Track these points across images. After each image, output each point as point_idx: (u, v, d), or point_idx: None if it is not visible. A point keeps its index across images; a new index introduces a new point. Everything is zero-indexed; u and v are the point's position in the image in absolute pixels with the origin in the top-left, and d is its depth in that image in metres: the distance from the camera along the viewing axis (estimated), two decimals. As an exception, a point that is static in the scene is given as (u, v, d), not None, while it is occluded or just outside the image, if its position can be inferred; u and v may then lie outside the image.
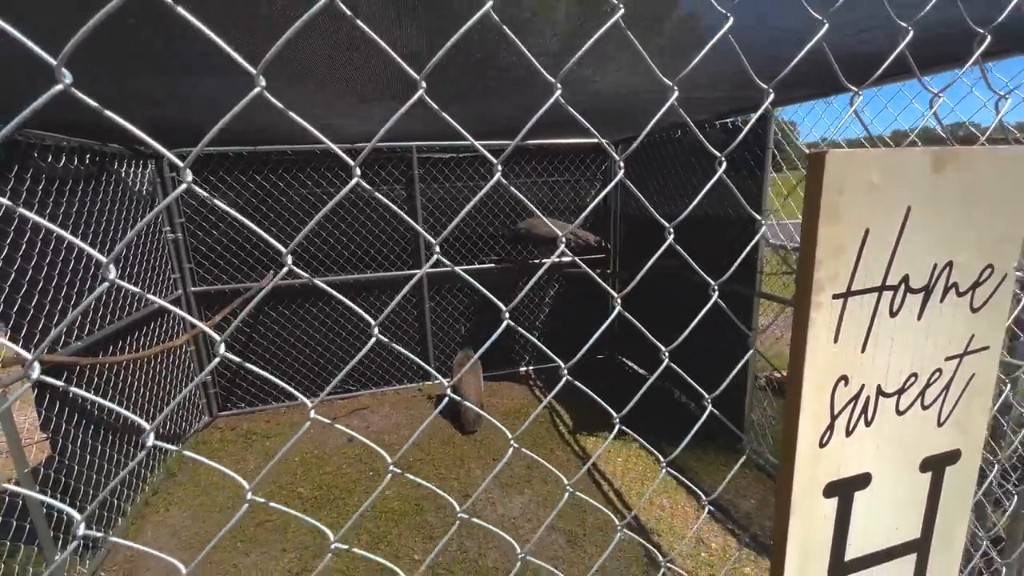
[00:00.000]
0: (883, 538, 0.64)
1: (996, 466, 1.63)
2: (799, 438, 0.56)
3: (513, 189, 0.77)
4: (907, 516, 0.65)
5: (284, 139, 3.68)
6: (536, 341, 1.21)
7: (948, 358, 0.61)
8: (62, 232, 0.51)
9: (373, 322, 0.57)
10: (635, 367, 4.80)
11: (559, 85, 0.62)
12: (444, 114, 0.57)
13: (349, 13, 0.47)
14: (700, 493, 3.02)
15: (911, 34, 0.70)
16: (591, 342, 0.88)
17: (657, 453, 1.20)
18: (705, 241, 3.51)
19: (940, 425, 0.63)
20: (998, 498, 1.82)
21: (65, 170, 2.81)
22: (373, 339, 0.57)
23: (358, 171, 0.48)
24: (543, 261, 4.62)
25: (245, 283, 4.10)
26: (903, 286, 0.56)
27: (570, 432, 3.93)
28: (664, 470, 0.85)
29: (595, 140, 4.59)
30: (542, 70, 0.62)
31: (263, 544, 2.75)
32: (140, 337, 3.38)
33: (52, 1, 0.98)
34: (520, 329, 0.82)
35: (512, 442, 0.72)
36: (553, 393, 0.80)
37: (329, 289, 0.58)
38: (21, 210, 0.47)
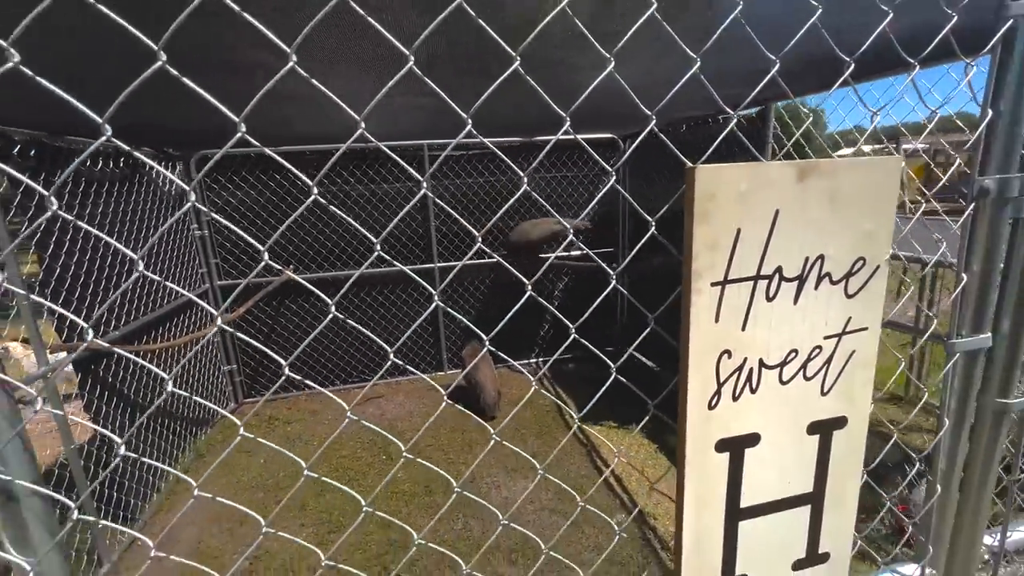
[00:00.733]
0: (776, 490, 0.76)
1: None
2: (689, 401, 0.67)
3: (536, 196, 0.90)
4: (798, 472, 0.76)
5: (302, 139, 3.87)
6: (553, 307, 1.34)
7: (827, 337, 0.72)
8: (99, 233, 0.66)
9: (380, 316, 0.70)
10: (643, 360, 4.89)
11: (612, 58, 0.72)
12: (430, 82, 0.69)
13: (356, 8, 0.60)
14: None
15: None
16: (589, 313, 1.00)
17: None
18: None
19: (824, 394, 0.74)
20: None
21: (101, 173, 3.04)
22: (391, 360, 0.70)
23: (316, 190, 0.61)
24: (548, 256, 4.73)
25: (267, 277, 4.33)
26: (777, 276, 0.67)
27: (575, 421, 4.06)
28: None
29: (604, 135, 4.67)
30: (601, 49, 0.72)
31: (283, 520, 2.96)
32: (171, 327, 3.63)
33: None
34: (541, 300, 0.94)
35: (493, 437, 0.86)
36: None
37: (309, 289, 0.72)
38: (68, 216, 0.62)
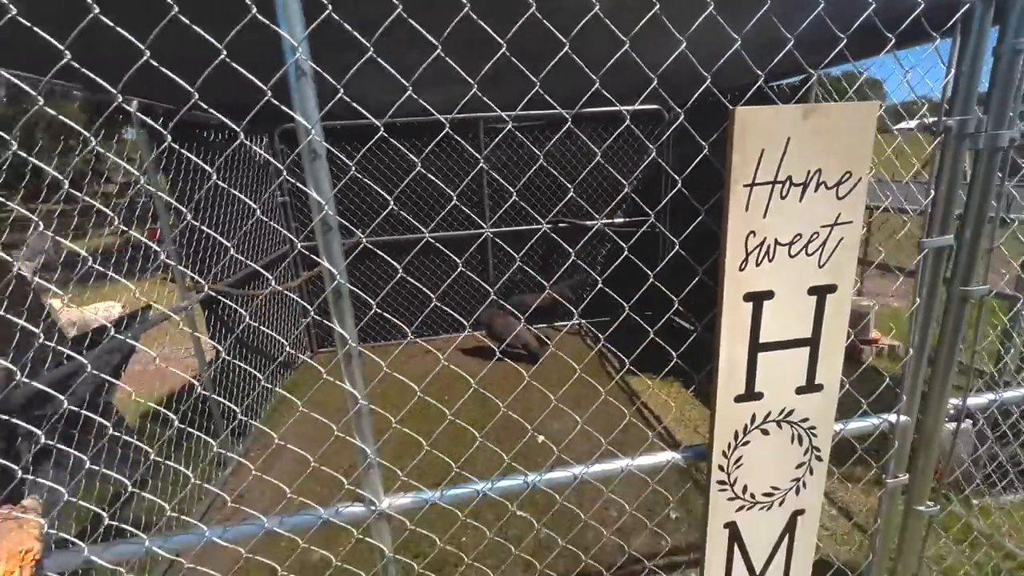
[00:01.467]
0: (786, 332, 1.11)
1: None
2: (727, 265, 1.04)
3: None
4: (801, 321, 1.12)
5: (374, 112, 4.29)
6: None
7: (823, 226, 1.06)
8: (240, 195, 1.07)
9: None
10: (682, 323, 5.20)
11: (684, 40, 1.08)
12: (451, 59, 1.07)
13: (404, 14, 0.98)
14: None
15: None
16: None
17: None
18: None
19: (820, 267, 1.09)
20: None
21: (213, 142, 3.56)
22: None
23: (417, 163, 0.99)
24: (589, 223, 5.05)
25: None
26: (788, 181, 1.02)
27: (617, 371, 4.44)
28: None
29: (648, 107, 4.91)
30: (675, 34, 1.10)
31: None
32: (264, 280, 4.19)
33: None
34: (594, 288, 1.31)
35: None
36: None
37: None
38: (222, 184, 1.02)
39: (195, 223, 3.09)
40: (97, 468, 1.34)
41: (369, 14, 1.08)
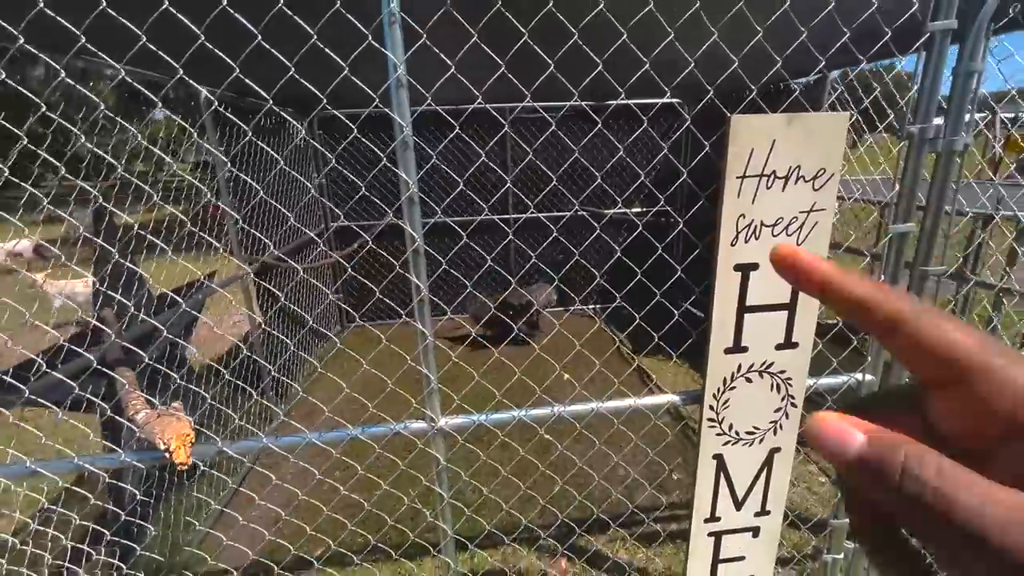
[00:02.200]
0: (768, 298, 1.37)
1: None
2: (721, 241, 1.30)
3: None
4: (781, 289, 1.37)
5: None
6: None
7: (801, 211, 1.31)
8: (295, 175, 1.35)
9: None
10: (694, 311, 5.43)
11: (716, 31, 1.34)
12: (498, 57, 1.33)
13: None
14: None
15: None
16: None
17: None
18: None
19: (799, 244, 1.34)
20: None
21: (257, 127, 3.86)
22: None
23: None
24: (606, 212, 5.28)
25: (371, 221, 5.15)
26: (773, 174, 1.27)
27: (630, 353, 4.71)
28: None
29: (666, 101, 5.10)
30: (708, 25, 1.36)
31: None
32: (301, 257, 4.52)
33: None
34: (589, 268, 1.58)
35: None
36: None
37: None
38: (286, 167, 1.30)
39: (267, 198, 3.41)
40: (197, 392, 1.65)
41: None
